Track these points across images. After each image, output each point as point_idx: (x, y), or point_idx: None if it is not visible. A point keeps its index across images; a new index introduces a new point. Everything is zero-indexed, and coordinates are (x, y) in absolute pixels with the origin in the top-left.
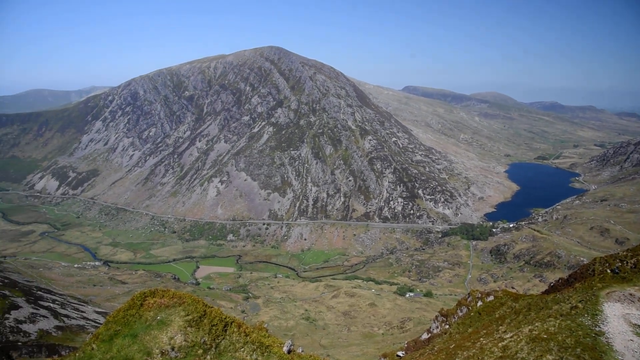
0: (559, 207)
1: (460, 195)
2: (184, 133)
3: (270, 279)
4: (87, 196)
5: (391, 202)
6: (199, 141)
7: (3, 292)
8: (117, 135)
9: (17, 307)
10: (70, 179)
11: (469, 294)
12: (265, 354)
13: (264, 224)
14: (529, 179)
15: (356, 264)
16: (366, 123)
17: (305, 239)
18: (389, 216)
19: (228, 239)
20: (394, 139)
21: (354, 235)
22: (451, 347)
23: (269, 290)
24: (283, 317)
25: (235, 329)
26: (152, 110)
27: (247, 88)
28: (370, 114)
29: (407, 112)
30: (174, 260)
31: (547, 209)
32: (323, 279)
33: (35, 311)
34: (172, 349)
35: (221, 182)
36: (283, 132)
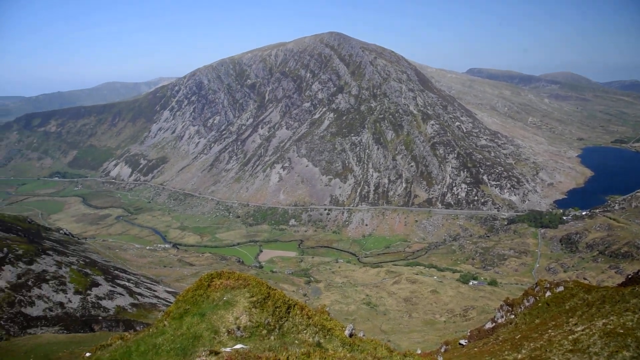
0: (639, 194)
1: (527, 181)
2: (247, 120)
3: (332, 263)
4: (157, 182)
5: (454, 188)
6: (261, 128)
7: (85, 270)
8: (183, 124)
9: (97, 284)
10: (141, 166)
11: (536, 283)
12: (327, 337)
13: (325, 210)
14: (605, 164)
15: (418, 251)
16: (428, 107)
17: (366, 225)
18: (452, 202)
19: (290, 223)
20: (457, 123)
21: (416, 221)
22: (517, 337)
23: (330, 275)
24: (344, 301)
25: (297, 312)
26: (216, 99)
27: (308, 75)
28: (433, 98)
29: (471, 95)
30: (238, 244)
31: (625, 196)
32: (384, 265)
33: (112, 289)
34: (238, 328)
35: (283, 168)
36: (344, 117)
